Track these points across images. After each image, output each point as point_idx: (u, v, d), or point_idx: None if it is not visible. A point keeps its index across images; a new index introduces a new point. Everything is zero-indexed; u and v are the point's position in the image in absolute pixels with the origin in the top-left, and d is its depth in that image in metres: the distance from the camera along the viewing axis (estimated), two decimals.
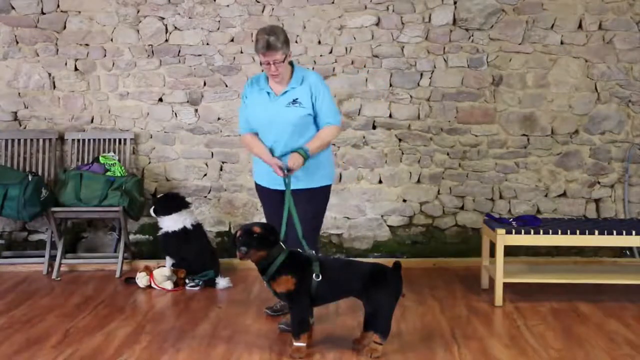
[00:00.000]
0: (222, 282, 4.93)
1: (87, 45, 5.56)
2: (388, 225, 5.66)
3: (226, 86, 5.57)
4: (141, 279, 4.90)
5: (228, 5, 5.50)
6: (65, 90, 5.59)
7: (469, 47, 5.51)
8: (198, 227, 5.12)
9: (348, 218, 5.66)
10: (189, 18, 5.51)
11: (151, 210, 5.11)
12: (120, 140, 5.56)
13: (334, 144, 5.39)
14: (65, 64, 5.57)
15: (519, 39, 5.49)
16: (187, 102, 5.59)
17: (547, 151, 5.59)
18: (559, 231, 4.46)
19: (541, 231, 4.47)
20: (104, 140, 5.55)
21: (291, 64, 4.02)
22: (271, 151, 3.97)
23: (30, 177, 5.08)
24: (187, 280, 4.93)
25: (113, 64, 5.57)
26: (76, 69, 5.58)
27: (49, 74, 5.58)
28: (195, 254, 4.99)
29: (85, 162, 5.47)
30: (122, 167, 5.38)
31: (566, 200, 5.63)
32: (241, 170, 5.63)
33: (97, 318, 4.24)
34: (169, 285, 4.87)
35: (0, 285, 4.99)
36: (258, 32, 3.88)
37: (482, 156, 5.59)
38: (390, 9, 5.49)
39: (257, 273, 3.64)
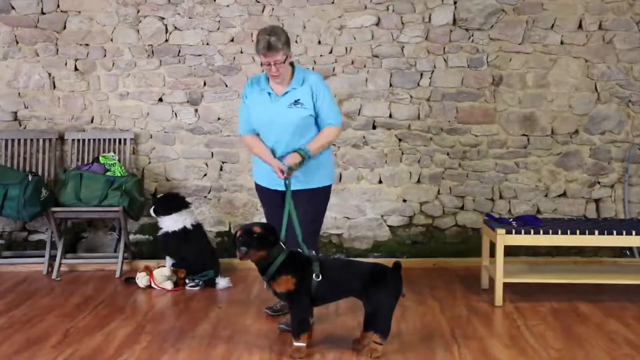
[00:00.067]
0: (222, 282, 4.93)
1: (87, 45, 5.56)
2: (388, 225, 5.66)
3: (226, 86, 5.57)
4: (141, 279, 4.90)
5: (228, 5, 5.50)
6: (65, 90, 5.59)
7: (469, 47, 5.51)
8: (198, 227, 5.12)
9: (348, 218, 5.66)
10: (189, 18, 5.51)
11: (151, 210, 5.11)
12: (120, 140, 5.56)
13: (334, 144, 5.39)
14: (65, 64, 5.57)
15: (519, 39, 5.49)
16: (187, 102, 5.59)
17: (547, 151, 5.59)
18: (559, 231, 4.46)
19: (541, 231, 4.47)
20: (104, 140, 5.55)
21: (292, 64, 4.01)
22: (272, 152, 3.97)
23: (30, 177, 5.08)
24: (187, 280, 4.93)
25: (113, 64, 5.57)
26: (76, 69, 5.58)
27: (49, 74, 5.58)
28: (195, 254, 4.99)
29: (85, 162, 5.47)
30: (122, 167, 5.38)
31: (566, 200, 5.63)
32: (241, 170, 5.63)
33: (97, 318, 4.24)
34: (169, 285, 4.87)
35: (0, 285, 4.99)
36: (259, 32, 3.87)
37: (482, 156, 5.59)
38: (390, 9, 5.49)
39: (257, 273, 3.65)
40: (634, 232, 4.44)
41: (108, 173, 5.29)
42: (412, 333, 3.94)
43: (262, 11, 5.50)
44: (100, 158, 5.39)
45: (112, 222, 5.66)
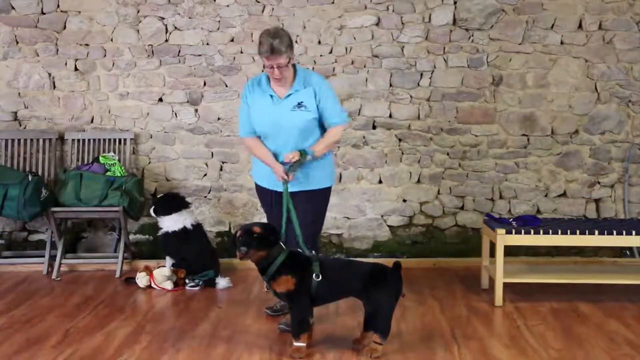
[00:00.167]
0: (222, 282, 4.93)
1: (87, 45, 5.56)
2: (388, 225, 5.66)
3: (226, 86, 5.57)
4: (141, 279, 4.90)
5: (228, 5, 5.50)
6: (65, 90, 5.59)
7: (469, 47, 5.51)
8: (198, 227, 5.11)
9: (348, 218, 5.66)
10: (189, 18, 5.51)
11: (151, 210, 5.11)
12: (120, 140, 5.56)
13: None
14: (65, 64, 5.57)
15: (519, 39, 5.49)
16: (187, 102, 5.59)
17: (547, 151, 5.59)
18: (559, 231, 4.46)
19: (541, 231, 4.47)
20: (104, 140, 5.55)
21: (293, 65, 3.97)
22: (275, 156, 3.94)
23: (30, 177, 5.08)
24: (187, 280, 4.93)
25: (113, 64, 5.57)
26: (76, 69, 5.58)
27: (49, 74, 5.58)
28: (195, 254, 4.99)
29: (85, 162, 5.47)
30: (122, 167, 5.38)
31: (566, 200, 5.63)
32: (241, 170, 5.63)
33: (97, 318, 4.24)
34: (169, 285, 4.87)
35: (0, 285, 4.99)
36: (261, 34, 3.81)
37: (482, 156, 5.59)
38: (390, 9, 5.49)
39: (257, 273, 3.65)
40: (634, 232, 4.44)
41: (108, 173, 5.29)
42: (412, 333, 3.94)
43: (262, 11, 5.50)
44: (100, 158, 5.39)
45: (112, 222, 5.66)
